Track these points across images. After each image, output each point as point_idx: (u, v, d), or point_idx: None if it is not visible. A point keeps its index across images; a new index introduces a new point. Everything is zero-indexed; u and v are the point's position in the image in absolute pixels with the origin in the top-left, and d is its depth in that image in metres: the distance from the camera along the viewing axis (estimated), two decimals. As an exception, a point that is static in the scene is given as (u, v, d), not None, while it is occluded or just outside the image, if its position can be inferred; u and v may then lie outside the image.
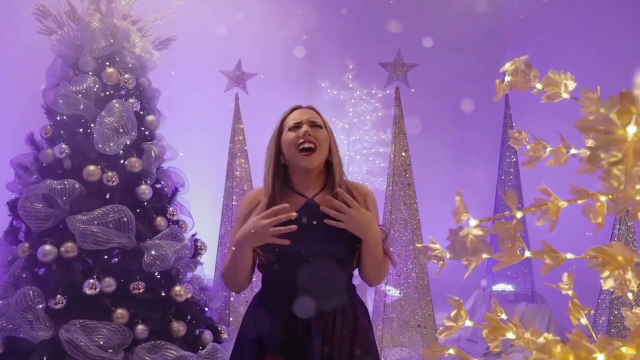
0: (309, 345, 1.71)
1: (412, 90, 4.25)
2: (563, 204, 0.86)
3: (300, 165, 1.78)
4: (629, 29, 4.85)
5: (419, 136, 4.94)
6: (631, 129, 0.61)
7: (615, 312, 2.77)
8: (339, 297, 1.79)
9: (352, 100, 5.46)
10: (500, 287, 5.34)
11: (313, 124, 1.79)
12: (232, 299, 4.06)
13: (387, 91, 5.06)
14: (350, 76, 5.36)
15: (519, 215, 0.83)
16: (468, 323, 1.00)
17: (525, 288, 5.32)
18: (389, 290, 4.21)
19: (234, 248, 1.73)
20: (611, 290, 1.37)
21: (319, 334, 1.72)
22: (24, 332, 2.48)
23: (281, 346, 1.73)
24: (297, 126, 1.78)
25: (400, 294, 4.13)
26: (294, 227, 1.65)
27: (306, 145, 1.74)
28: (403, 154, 4.14)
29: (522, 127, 1.36)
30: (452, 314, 1.00)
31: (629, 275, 1.39)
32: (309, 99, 5.24)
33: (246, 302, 4.08)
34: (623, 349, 0.81)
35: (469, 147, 5.79)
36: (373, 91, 5.37)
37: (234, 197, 4.16)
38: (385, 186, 4.32)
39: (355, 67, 5.36)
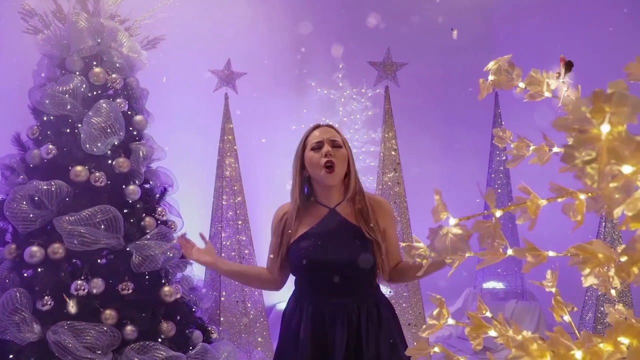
0: (334, 341, 1.93)
1: (400, 86, 4.25)
2: (542, 202, 0.86)
3: (322, 181, 1.99)
4: (619, 29, 4.88)
5: (409, 135, 4.95)
6: (605, 128, 0.61)
7: (602, 308, 2.79)
8: (362, 298, 2.00)
9: (342, 100, 5.45)
10: (490, 284, 5.37)
11: (334, 144, 1.99)
12: (222, 299, 4.05)
13: (377, 90, 5.06)
14: (340, 75, 5.36)
15: (498, 214, 0.83)
16: (450, 321, 1.01)
17: (515, 286, 5.36)
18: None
19: None
20: (595, 287, 1.39)
21: (345, 329, 1.93)
22: (11, 334, 2.47)
23: (311, 344, 1.95)
24: (319, 146, 1.98)
25: (390, 292, 4.14)
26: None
27: (328, 164, 1.95)
28: (393, 152, 4.15)
29: (512, 126, 1.37)
30: (435, 312, 1.01)
31: (612, 272, 1.40)
32: (299, 98, 5.28)
33: (236, 301, 4.08)
34: (601, 345, 0.82)
35: (458, 146, 5.81)
36: (363, 90, 5.37)
37: (224, 197, 4.15)
38: (375, 185, 4.33)
39: (345, 66, 5.36)
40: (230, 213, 4.13)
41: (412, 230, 4.15)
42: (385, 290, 4.30)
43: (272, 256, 2.09)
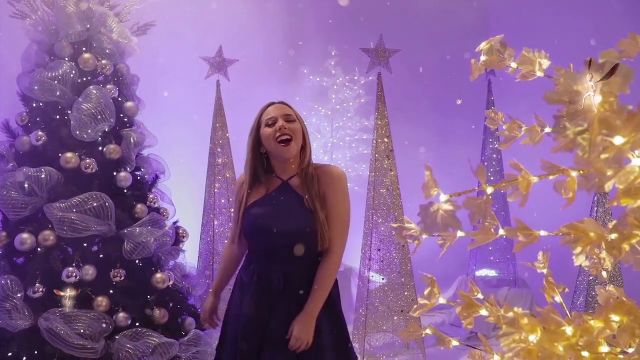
0: (274, 309, 2.01)
1: (393, 73, 4.23)
2: (534, 179, 0.86)
3: (280, 155, 2.06)
4: (614, 16, 4.88)
5: (402, 122, 4.94)
6: (596, 99, 0.60)
7: (593, 292, 2.81)
8: (306, 269, 2.05)
9: (335, 87, 5.43)
10: (483, 272, 5.39)
11: (287, 118, 2.06)
12: (215, 286, 4.04)
13: (370, 77, 5.04)
14: (332, 63, 5.33)
15: (489, 190, 0.83)
16: (442, 300, 1.00)
17: (507, 273, 5.38)
18: (372, 277, 4.22)
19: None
20: (586, 269, 1.39)
21: (286, 297, 2.01)
22: (3, 322, 2.45)
23: (250, 303, 2.04)
24: (273, 122, 2.06)
25: (383, 279, 4.14)
26: None
27: (283, 137, 2.02)
28: (385, 139, 4.14)
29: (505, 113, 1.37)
30: (426, 291, 1.00)
31: (603, 254, 1.40)
32: (291, 85, 5.25)
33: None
34: (592, 322, 0.82)
35: (451, 133, 5.81)
36: (356, 77, 5.35)
37: (216, 185, 4.14)
38: (368, 172, 4.32)
39: (338, 53, 5.33)
40: (223, 200, 4.12)
41: (405, 217, 4.15)
42: (378, 278, 4.32)
43: (232, 224, 2.22)
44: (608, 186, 0.69)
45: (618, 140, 0.63)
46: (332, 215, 2.03)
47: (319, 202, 2.03)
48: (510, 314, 0.76)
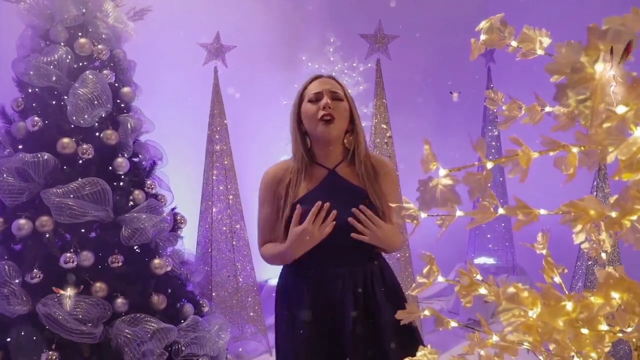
0: (342, 310, 1.80)
1: (392, 60, 4.21)
2: (534, 154, 0.85)
3: (318, 136, 1.81)
4: (616, 4, 4.84)
5: (401, 108, 4.92)
6: (599, 67, 0.59)
7: (592, 277, 2.81)
8: (367, 264, 1.86)
9: (333, 74, 5.40)
10: (481, 260, 5.40)
11: (334, 96, 1.81)
12: (214, 274, 4.05)
13: (369, 64, 5.02)
14: (331, 49, 5.29)
15: (489, 165, 0.81)
16: (440, 279, 1.00)
17: (506, 261, 5.40)
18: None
19: (288, 251, 1.81)
20: (586, 250, 1.38)
21: (352, 296, 1.80)
22: (1, 307, 2.45)
23: (313, 314, 1.82)
24: (317, 97, 1.80)
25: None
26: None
27: (326, 118, 1.77)
28: (384, 125, 4.13)
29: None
30: (425, 270, 1.00)
31: (603, 235, 1.39)
32: (289, 72, 5.21)
33: (228, 276, 4.08)
34: (592, 298, 0.81)
35: (450, 120, 5.79)
36: (354, 64, 5.32)
37: (214, 172, 4.12)
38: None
39: (337, 40, 5.29)
40: (221, 188, 4.11)
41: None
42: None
43: (289, 251, 1.85)
44: (610, 157, 0.68)
45: (621, 109, 0.61)
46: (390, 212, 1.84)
47: (382, 196, 1.82)
48: (510, 290, 0.75)
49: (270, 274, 5.11)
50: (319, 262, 1.83)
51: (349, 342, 1.77)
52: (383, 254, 1.98)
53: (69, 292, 2.49)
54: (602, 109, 0.57)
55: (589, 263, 2.83)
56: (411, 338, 1.86)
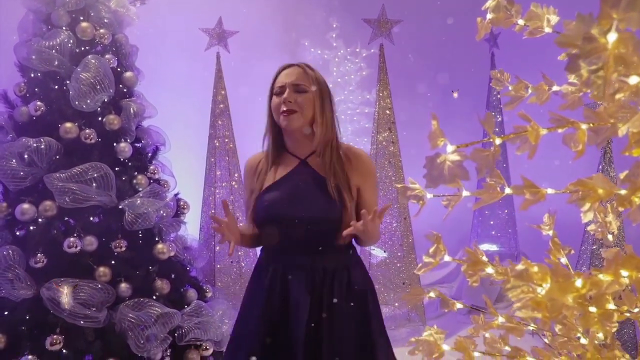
0: (297, 302, 1.75)
1: (395, 44, 4.18)
2: (543, 130, 0.84)
3: (282, 127, 1.84)
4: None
5: (404, 94, 4.90)
6: (611, 37, 0.58)
7: (596, 263, 2.81)
8: (332, 256, 1.81)
9: (336, 60, 5.37)
10: (485, 247, 5.40)
11: (297, 89, 1.81)
12: (217, 260, 4.05)
13: (372, 50, 4.99)
14: (334, 35, 5.26)
15: (497, 141, 0.80)
16: (447, 258, 0.99)
17: (509, 247, 5.40)
18: (373, 250, 4.23)
19: None
20: (592, 232, 1.37)
21: (307, 291, 1.76)
22: (6, 291, 2.46)
23: (268, 304, 1.79)
24: (281, 91, 1.82)
25: (385, 252, 4.15)
26: None
27: (285, 113, 1.79)
28: (387, 111, 4.11)
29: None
30: (431, 249, 0.99)
31: (610, 217, 1.38)
32: (292, 57, 5.18)
33: (231, 262, 4.08)
34: (601, 276, 0.81)
35: (454, 106, 5.76)
36: (357, 50, 5.29)
37: (217, 158, 4.12)
38: (369, 145, 4.30)
39: (340, 25, 5.26)
40: (224, 174, 4.10)
41: (406, 190, 4.13)
42: (379, 252, 4.32)
43: (246, 209, 1.93)
44: (621, 131, 0.67)
45: (633, 79, 0.60)
46: (367, 206, 1.79)
47: (346, 188, 1.78)
48: (519, 267, 0.74)
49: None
50: (284, 250, 1.82)
51: (298, 346, 1.71)
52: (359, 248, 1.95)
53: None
54: (614, 78, 0.56)
55: (594, 247, 2.82)
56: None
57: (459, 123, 5.50)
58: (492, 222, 5.40)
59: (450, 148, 0.77)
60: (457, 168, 0.74)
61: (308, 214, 1.76)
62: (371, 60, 5.08)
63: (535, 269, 0.69)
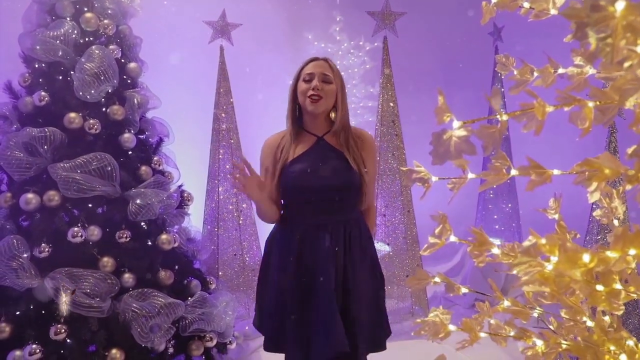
0: (327, 254, 2.08)
1: (399, 37, 4.17)
2: (549, 108, 0.83)
3: (307, 110, 2.15)
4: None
5: (408, 87, 4.89)
6: (619, 5, 0.58)
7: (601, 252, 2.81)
8: (350, 215, 2.18)
9: (340, 53, 5.35)
10: (488, 240, 5.39)
11: (324, 78, 2.13)
12: (220, 252, 4.05)
13: (375, 43, 4.97)
14: (337, 28, 5.24)
15: (504, 117, 0.80)
16: (453, 238, 0.99)
17: (512, 241, 5.38)
18: (377, 243, 4.22)
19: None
20: (598, 218, 1.36)
21: (331, 240, 2.10)
22: (10, 281, 2.46)
23: (301, 264, 2.11)
24: (310, 78, 2.14)
25: (388, 245, 4.14)
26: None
27: (314, 97, 2.10)
28: (391, 104, 4.10)
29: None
30: (437, 230, 0.99)
31: (616, 203, 1.37)
32: (295, 51, 5.17)
33: (234, 255, 4.09)
34: (608, 253, 0.80)
35: (458, 98, 5.74)
36: (361, 43, 5.26)
37: (221, 151, 4.11)
38: (373, 137, 4.29)
39: (343, 18, 5.24)
40: (228, 166, 4.10)
41: (410, 183, 4.12)
42: (384, 246, 4.32)
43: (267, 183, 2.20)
44: (630, 102, 0.67)
45: (643, 48, 0.60)
46: (370, 180, 2.20)
47: (360, 161, 2.15)
48: (526, 243, 0.74)
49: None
50: (305, 214, 2.14)
51: (325, 296, 2.04)
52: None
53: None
54: (623, 45, 0.55)
55: (598, 237, 2.81)
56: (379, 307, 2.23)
57: (461, 117, 5.49)
58: (495, 217, 5.38)
59: (456, 124, 0.76)
60: (463, 143, 0.74)
61: (333, 182, 2.10)
62: (375, 54, 5.06)
63: (544, 240, 0.69)
